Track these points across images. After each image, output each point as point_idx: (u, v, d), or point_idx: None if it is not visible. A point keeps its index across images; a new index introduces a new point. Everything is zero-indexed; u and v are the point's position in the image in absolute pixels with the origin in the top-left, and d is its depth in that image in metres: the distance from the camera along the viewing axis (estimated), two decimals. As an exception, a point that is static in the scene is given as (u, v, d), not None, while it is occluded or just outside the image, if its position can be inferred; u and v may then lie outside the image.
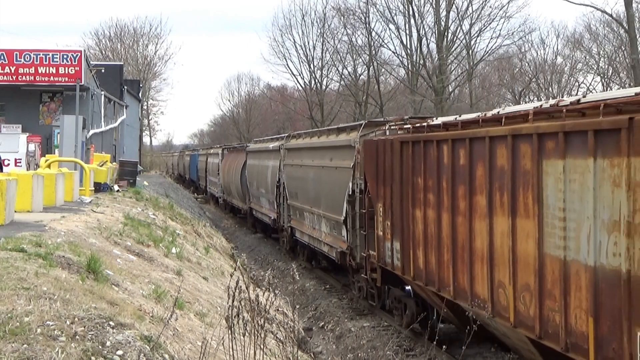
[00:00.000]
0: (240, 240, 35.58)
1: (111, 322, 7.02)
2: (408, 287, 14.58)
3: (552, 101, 10.30)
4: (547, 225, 8.93)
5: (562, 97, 51.93)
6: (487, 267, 10.35)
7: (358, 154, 16.25)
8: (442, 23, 47.78)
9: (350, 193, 16.85)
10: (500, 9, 47.57)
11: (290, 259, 26.38)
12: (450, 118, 13.01)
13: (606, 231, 7.84)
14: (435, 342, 9.93)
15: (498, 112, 11.23)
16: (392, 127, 14.67)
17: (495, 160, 10.16)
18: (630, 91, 8.66)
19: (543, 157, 9.00)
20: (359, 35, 53.83)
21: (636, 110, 7.79)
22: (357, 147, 16.36)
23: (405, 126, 13.97)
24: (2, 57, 32.86)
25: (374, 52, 52.30)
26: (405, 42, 49.73)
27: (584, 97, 9.52)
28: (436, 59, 48.56)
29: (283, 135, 30.33)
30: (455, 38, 49.26)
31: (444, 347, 9.64)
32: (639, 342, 7.38)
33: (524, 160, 9.44)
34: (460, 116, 12.96)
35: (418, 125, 13.33)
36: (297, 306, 16.74)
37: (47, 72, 33.22)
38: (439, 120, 12.95)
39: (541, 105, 10.02)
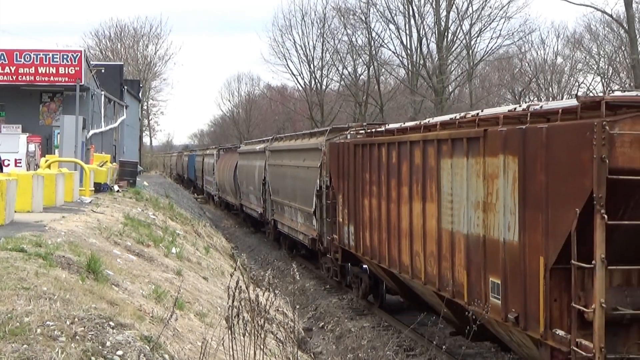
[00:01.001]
0: (240, 240, 38.08)
1: (111, 322, 7.37)
2: (365, 266, 18.92)
3: (462, 113, 14.60)
4: (443, 206, 13.18)
5: (562, 97, 55.69)
6: (408, 241, 14.65)
7: (324, 155, 20.68)
8: (442, 23, 50.31)
9: (318, 188, 21.26)
10: (500, 9, 50.05)
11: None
12: (395, 125, 17.35)
13: (473, 209, 12.06)
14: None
15: (428, 121, 15.58)
16: (352, 132, 19.04)
17: (414, 159, 14.43)
18: (505, 108, 13.00)
19: (440, 156, 13.24)
20: (359, 35, 56.71)
21: (492, 124, 12.13)
22: (324, 150, 20.82)
23: (361, 131, 18.36)
24: (2, 57, 33.60)
25: (374, 52, 54.93)
26: (405, 42, 52.41)
27: (482, 111, 13.88)
28: (436, 59, 51.14)
29: (268, 138, 34.57)
30: (455, 38, 51.71)
31: (443, 347, 12.34)
32: (490, 284, 11.69)
33: (430, 159, 13.71)
34: (404, 123, 17.37)
35: (369, 131, 17.72)
36: (297, 306, 17.85)
37: (47, 72, 33.93)
38: (384, 127, 17.32)
39: (455, 117, 14.36)
